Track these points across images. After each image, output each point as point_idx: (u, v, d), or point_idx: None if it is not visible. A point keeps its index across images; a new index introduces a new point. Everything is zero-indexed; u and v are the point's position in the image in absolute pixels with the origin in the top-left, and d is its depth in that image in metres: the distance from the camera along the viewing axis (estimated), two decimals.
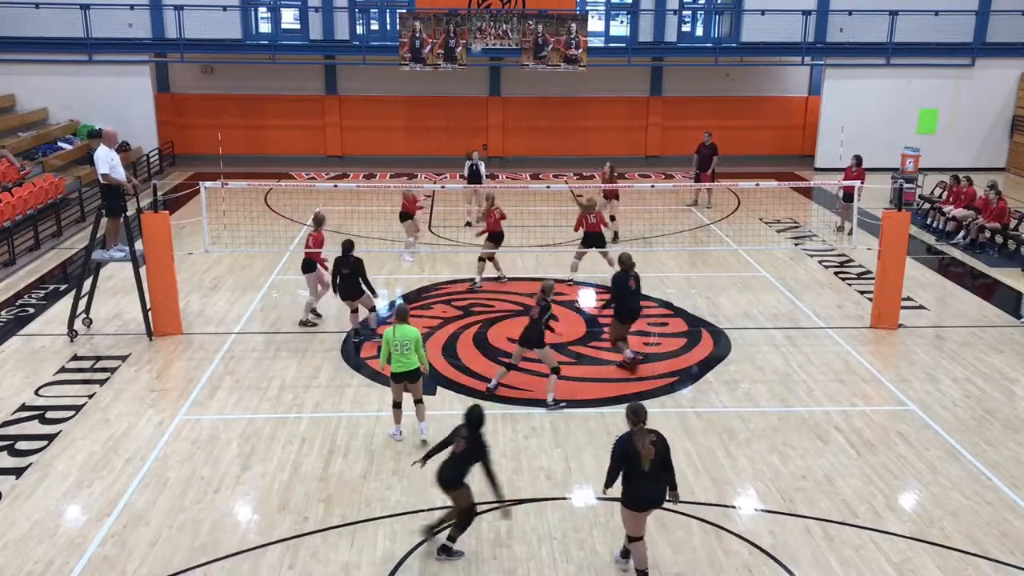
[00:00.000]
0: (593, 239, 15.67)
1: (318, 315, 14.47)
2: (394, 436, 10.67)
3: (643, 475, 7.58)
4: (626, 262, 12.44)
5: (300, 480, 9.80)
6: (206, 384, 12.21)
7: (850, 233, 20.61)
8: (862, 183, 17.71)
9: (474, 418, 8.24)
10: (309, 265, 14.05)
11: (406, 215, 17.40)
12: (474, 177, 20.27)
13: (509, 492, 9.56)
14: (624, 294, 12.34)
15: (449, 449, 8.35)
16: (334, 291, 13.34)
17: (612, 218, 18.79)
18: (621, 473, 7.71)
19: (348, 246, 13.15)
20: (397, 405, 10.61)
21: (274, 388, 12.10)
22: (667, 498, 7.84)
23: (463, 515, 8.35)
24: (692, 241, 19.36)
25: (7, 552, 8.54)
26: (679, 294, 15.95)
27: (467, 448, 8.19)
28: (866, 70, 27.58)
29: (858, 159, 19.54)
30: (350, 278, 13.12)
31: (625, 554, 8.21)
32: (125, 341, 13.66)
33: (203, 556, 8.46)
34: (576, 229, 16.12)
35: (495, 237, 16.00)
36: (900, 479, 9.93)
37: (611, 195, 18.91)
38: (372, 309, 13.63)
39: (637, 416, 7.67)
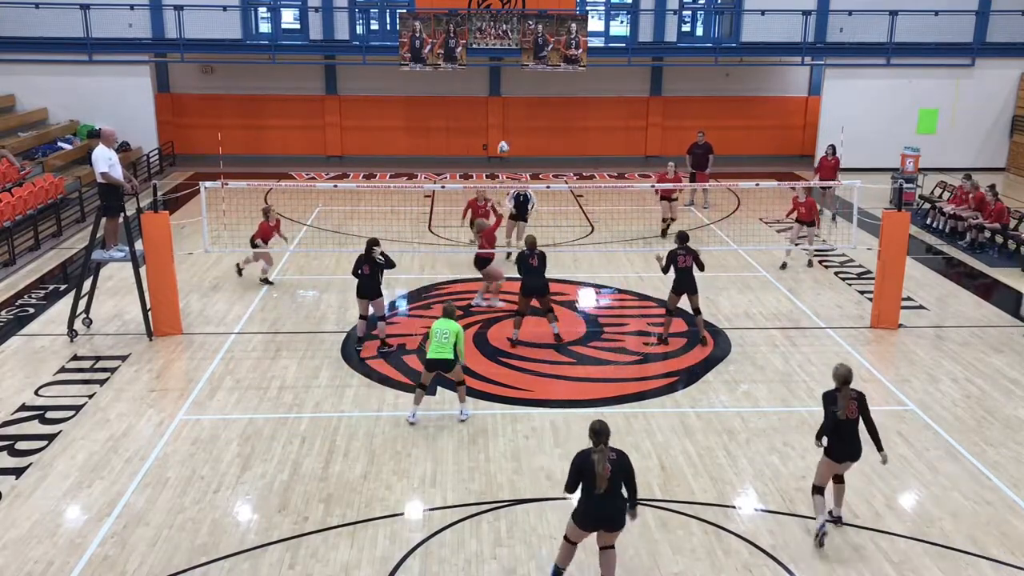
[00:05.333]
0: None
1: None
2: (409, 419, 11.03)
3: (597, 496, 7.40)
4: (529, 243, 13.61)
5: (300, 480, 9.80)
6: (206, 384, 12.20)
7: (833, 218, 20.98)
8: (839, 168, 18.76)
9: None
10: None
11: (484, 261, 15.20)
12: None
13: (509, 492, 9.57)
14: (522, 270, 13.54)
15: None
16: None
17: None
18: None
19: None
20: (423, 387, 11.06)
21: (274, 388, 12.10)
22: (627, 516, 7.68)
23: None
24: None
25: (7, 552, 8.54)
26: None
27: None
28: (866, 70, 27.59)
29: (832, 148, 20.87)
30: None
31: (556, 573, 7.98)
32: (125, 341, 13.66)
33: (203, 556, 8.46)
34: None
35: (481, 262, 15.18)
36: (900, 479, 9.93)
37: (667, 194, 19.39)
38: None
39: (597, 436, 7.40)
